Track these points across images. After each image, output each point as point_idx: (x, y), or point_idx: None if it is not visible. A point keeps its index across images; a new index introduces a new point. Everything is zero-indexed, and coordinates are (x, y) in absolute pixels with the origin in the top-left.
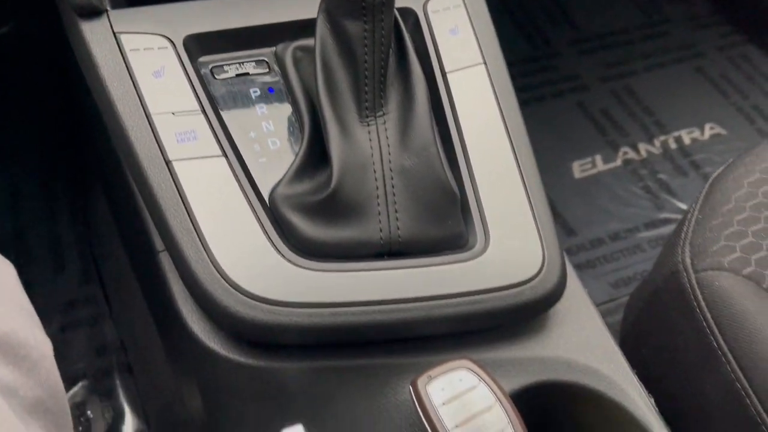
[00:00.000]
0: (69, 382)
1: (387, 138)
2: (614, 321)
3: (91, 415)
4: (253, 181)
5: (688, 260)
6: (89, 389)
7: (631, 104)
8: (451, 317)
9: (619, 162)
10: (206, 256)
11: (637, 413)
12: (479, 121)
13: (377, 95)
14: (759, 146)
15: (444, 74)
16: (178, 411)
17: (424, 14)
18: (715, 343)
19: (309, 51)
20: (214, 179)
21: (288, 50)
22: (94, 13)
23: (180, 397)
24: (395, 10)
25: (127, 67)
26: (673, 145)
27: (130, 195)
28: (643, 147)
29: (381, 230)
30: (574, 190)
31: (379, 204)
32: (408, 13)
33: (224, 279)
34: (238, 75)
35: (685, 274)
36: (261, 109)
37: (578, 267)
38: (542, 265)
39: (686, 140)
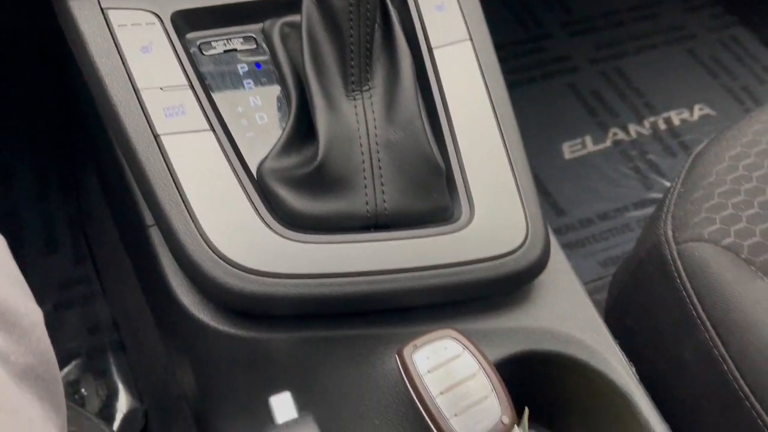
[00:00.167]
0: (63, 360)
1: (373, 112)
2: (602, 298)
3: (85, 393)
4: (241, 155)
5: (669, 232)
6: (83, 367)
7: (621, 85)
8: (436, 288)
9: (608, 143)
10: (195, 228)
11: (618, 381)
12: (465, 96)
13: (363, 70)
14: (741, 121)
15: (430, 50)
16: (171, 387)
17: None
18: (693, 312)
19: (296, 27)
20: (202, 153)
21: (275, 26)
22: None
23: (173, 374)
24: None
25: (115, 42)
26: (662, 126)
27: (120, 171)
28: (632, 128)
29: (367, 203)
30: (564, 170)
31: (365, 177)
32: None
33: (212, 251)
34: (225, 51)
35: (666, 246)
36: (248, 84)
37: (568, 246)
38: (526, 237)
39: (676, 121)
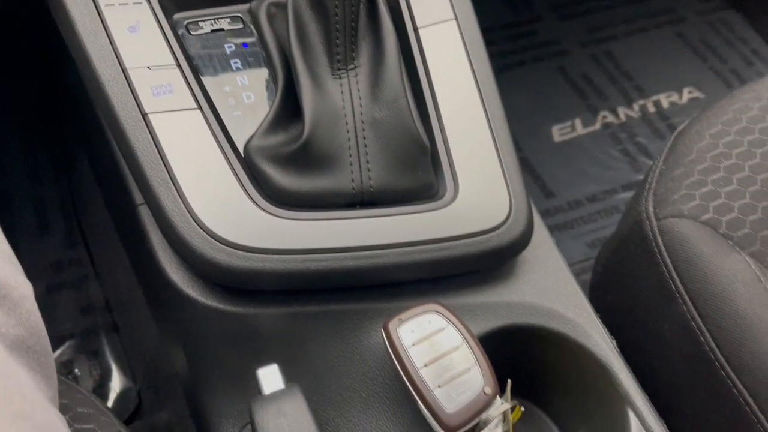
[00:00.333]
0: (56, 341)
1: (358, 90)
2: (589, 278)
3: (79, 373)
4: (228, 133)
5: (651, 209)
6: (76, 348)
7: (611, 69)
8: (421, 263)
9: (598, 126)
10: (183, 205)
11: (599, 353)
12: (450, 75)
13: (348, 49)
14: (722, 100)
15: (416, 29)
16: (164, 367)
17: None
18: (672, 285)
19: (283, 7)
20: (189, 131)
21: (262, 6)
22: None
23: (165, 354)
24: None
25: (102, 22)
26: (651, 109)
27: (110, 151)
28: (622, 111)
29: (353, 180)
30: (554, 153)
31: (351, 154)
32: None
33: (201, 227)
34: (213, 31)
35: (648, 222)
36: (236, 64)
37: (556, 228)
38: (509, 213)
39: (665, 104)
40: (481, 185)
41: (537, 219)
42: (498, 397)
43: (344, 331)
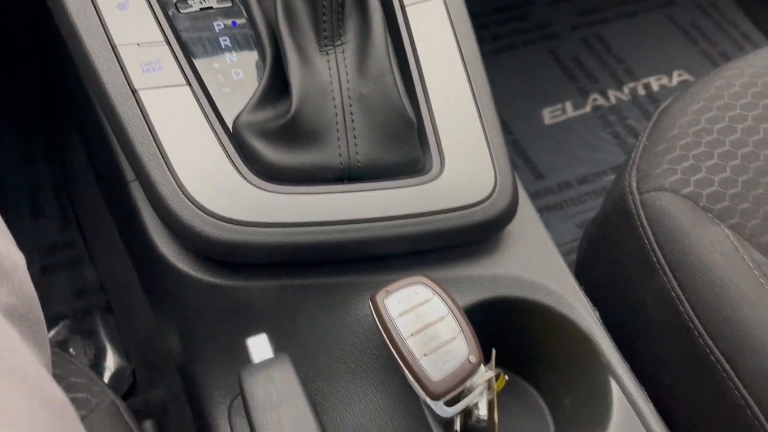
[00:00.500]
0: (51, 322)
1: (345, 66)
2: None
3: (74, 353)
4: (217, 109)
5: (634, 184)
6: (71, 328)
7: (601, 52)
8: (407, 236)
9: (588, 108)
10: (173, 179)
11: (582, 324)
12: (437, 52)
13: (336, 25)
14: (706, 77)
15: (403, 7)
16: (157, 345)
17: None
18: (654, 257)
19: None
20: (179, 107)
21: None
22: None
23: (159, 332)
24: None
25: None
26: (641, 92)
27: (101, 129)
28: (612, 93)
29: (340, 155)
30: (544, 135)
31: (338, 130)
32: None
33: (190, 201)
34: (202, 9)
35: (630, 196)
36: (224, 42)
37: (546, 209)
38: (494, 188)
39: (654, 87)
40: (466, 160)
41: (523, 195)
42: (482, 365)
43: (333, 304)
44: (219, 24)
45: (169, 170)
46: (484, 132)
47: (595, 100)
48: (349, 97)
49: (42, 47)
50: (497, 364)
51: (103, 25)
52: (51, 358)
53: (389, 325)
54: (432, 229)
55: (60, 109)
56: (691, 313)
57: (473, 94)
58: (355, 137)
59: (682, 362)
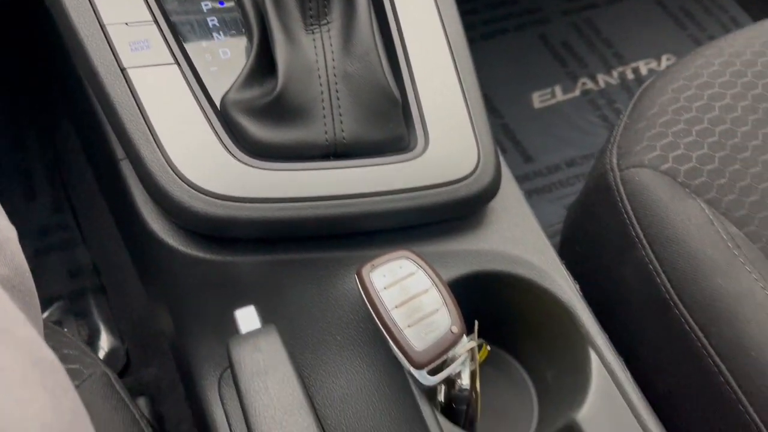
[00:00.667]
0: (44, 303)
1: (331, 45)
2: None
3: (67, 333)
4: (205, 87)
5: (614, 161)
6: (64, 309)
7: (591, 36)
8: (392, 211)
9: (577, 92)
10: (162, 156)
11: (562, 297)
12: (421, 31)
13: (321, 5)
14: (686, 56)
15: None
16: (150, 325)
17: None
18: (633, 231)
19: None
20: (167, 85)
21: None
22: None
23: (152, 312)
24: None
25: None
26: (630, 76)
27: (91, 109)
28: (601, 77)
29: (326, 132)
30: (534, 119)
31: (324, 107)
32: None
33: (179, 177)
34: None
35: (611, 173)
36: (212, 21)
37: (535, 191)
38: (477, 164)
39: (643, 71)
40: (450, 138)
41: (506, 173)
42: (465, 336)
43: (320, 278)
44: (207, 4)
45: (158, 147)
46: (468, 110)
47: (584, 84)
48: (335, 75)
49: (32, 29)
50: (481, 337)
51: (91, 5)
52: (44, 332)
53: (374, 298)
54: (416, 204)
55: (52, 92)
56: (668, 284)
57: (457, 73)
58: (340, 115)
59: (659, 332)
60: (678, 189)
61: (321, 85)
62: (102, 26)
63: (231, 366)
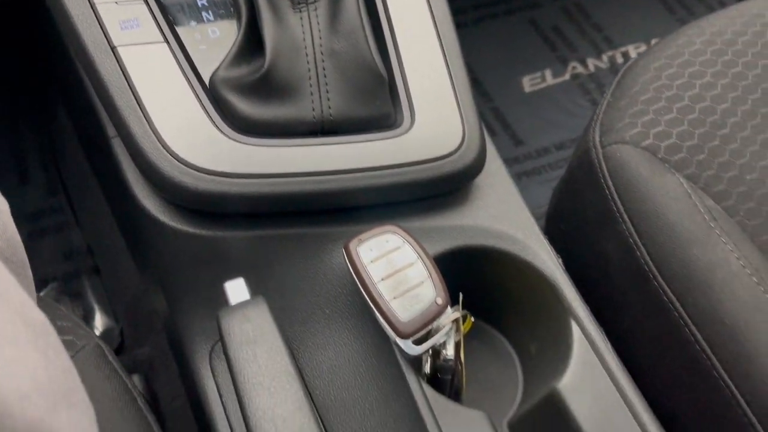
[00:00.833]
0: (39, 285)
1: (318, 23)
2: None
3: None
4: (194, 65)
5: (597, 138)
6: (59, 290)
7: (581, 21)
8: (379, 187)
9: (567, 76)
10: (152, 133)
11: (545, 270)
12: (408, 11)
13: None
14: (669, 36)
15: None
16: (144, 305)
17: None
18: (614, 206)
19: None
20: (157, 63)
21: None
22: None
23: (145, 292)
24: None
25: None
26: (619, 60)
27: (83, 89)
28: (591, 62)
29: (313, 109)
30: (524, 103)
31: (311, 84)
32: None
33: (169, 153)
34: None
35: (594, 150)
36: (201, 1)
37: (524, 174)
38: (462, 141)
39: (633, 54)
40: (436, 115)
41: (492, 150)
42: (449, 307)
43: (309, 253)
44: None
45: (149, 124)
46: (453, 88)
47: (574, 68)
48: (322, 53)
49: (26, 14)
50: (465, 310)
51: None
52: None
53: (361, 271)
54: (402, 180)
55: (46, 76)
56: (647, 257)
57: (443, 52)
58: (327, 92)
59: (639, 303)
60: (658, 164)
61: (308, 62)
62: (92, 5)
63: (221, 336)
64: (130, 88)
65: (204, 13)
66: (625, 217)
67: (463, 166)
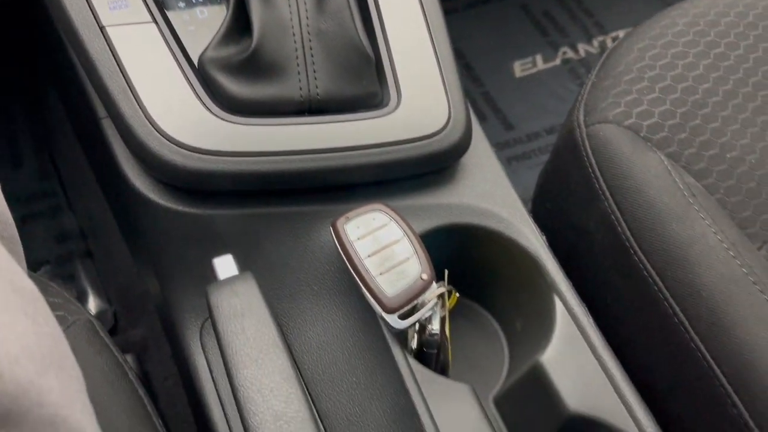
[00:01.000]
0: (32, 267)
1: (305, 3)
2: None
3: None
4: (183, 46)
5: (581, 118)
6: (52, 273)
7: (572, 6)
8: (365, 165)
9: (558, 61)
10: (141, 112)
11: (529, 247)
12: None
13: None
14: (653, 17)
15: None
16: (136, 287)
17: None
18: (597, 184)
19: None
20: (145, 43)
21: None
22: None
23: (137, 274)
24: None
25: None
26: (610, 45)
27: (73, 71)
28: (581, 47)
29: (300, 88)
30: (515, 88)
31: (298, 64)
32: None
33: (159, 132)
34: None
35: (578, 130)
36: None
37: (515, 158)
38: (448, 120)
39: None
40: (422, 94)
41: (478, 130)
42: (434, 283)
43: (297, 231)
44: None
45: (138, 103)
46: (439, 67)
47: (564, 53)
48: (309, 33)
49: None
50: (452, 286)
51: None
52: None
53: (348, 248)
54: (389, 159)
55: (37, 61)
56: (628, 232)
57: (429, 32)
58: (314, 71)
59: (620, 279)
60: (640, 143)
61: (295, 42)
62: None
63: (209, 310)
64: (120, 68)
65: None
66: (608, 194)
67: (449, 145)
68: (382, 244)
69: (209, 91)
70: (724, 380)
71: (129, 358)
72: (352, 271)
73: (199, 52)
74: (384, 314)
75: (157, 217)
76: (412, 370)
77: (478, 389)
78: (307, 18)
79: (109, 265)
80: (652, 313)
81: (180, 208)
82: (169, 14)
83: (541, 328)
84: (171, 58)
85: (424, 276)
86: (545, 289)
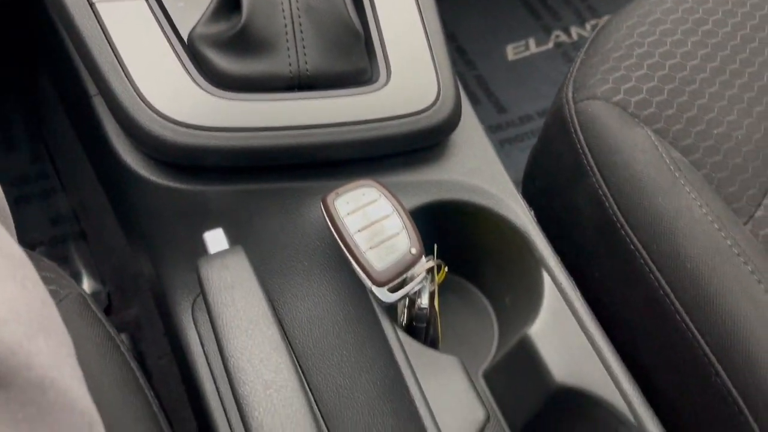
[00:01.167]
0: (26, 248)
1: None
2: None
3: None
4: (173, 22)
5: (570, 94)
6: (46, 254)
7: None
8: (355, 141)
9: (551, 45)
10: (131, 88)
11: (517, 223)
12: None
13: None
14: None
15: None
16: (130, 268)
17: None
18: (585, 160)
19: None
20: (135, 20)
21: None
22: None
23: (131, 254)
24: None
25: None
26: None
27: (64, 49)
28: (574, 30)
29: (290, 64)
30: (507, 71)
31: (287, 40)
32: None
33: (149, 108)
34: None
35: (567, 106)
36: None
37: (507, 141)
38: (437, 97)
39: None
40: (411, 71)
41: (467, 107)
42: (423, 257)
43: (287, 207)
44: None
45: (128, 79)
46: (429, 44)
47: (557, 36)
48: (298, 9)
49: None
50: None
51: None
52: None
53: (338, 222)
54: (379, 135)
55: (28, 42)
56: (615, 207)
57: (419, 9)
58: (304, 47)
59: (607, 253)
60: (628, 119)
61: (285, 18)
62: None
63: (200, 283)
64: (110, 44)
65: None
66: (595, 169)
67: (438, 122)
68: (371, 220)
69: (199, 67)
70: (707, 350)
71: (123, 337)
72: (342, 246)
73: (189, 28)
74: (373, 287)
75: (148, 193)
76: (401, 342)
77: (467, 364)
78: None
79: (103, 246)
80: (639, 286)
81: (170, 183)
82: None
83: (530, 302)
84: (161, 34)
85: (413, 250)
86: (534, 264)
